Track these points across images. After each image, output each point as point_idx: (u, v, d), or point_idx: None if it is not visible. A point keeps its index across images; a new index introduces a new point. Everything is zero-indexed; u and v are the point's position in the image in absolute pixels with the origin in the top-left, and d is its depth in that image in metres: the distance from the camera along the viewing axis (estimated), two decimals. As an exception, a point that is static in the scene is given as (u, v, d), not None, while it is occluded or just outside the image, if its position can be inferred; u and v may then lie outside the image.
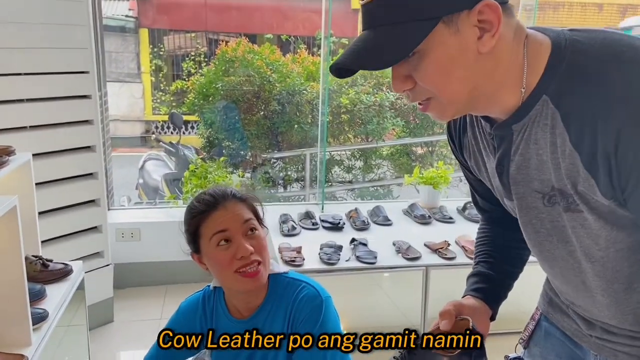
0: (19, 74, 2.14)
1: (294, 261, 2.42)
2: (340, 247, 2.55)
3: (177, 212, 3.19)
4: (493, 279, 1.03)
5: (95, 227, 2.54)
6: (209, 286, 1.26)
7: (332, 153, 4.69)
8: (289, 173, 4.61)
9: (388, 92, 4.42)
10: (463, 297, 1.02)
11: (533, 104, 0.75)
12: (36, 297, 1.65)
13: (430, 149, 4.95)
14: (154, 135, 4.57)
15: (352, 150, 4.74)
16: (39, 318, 1.56)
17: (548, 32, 0.76)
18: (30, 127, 2.20)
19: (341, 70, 0.76)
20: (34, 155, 1.85)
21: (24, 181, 1.81)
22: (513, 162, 0.81)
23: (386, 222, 2.97)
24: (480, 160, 0.92)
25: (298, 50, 7.26)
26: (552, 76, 0.73)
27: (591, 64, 0.70)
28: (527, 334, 1.09)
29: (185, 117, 5.54)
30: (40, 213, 2.02)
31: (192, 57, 8.77)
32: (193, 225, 1.14)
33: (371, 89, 4.43)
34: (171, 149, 4.38)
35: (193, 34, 9.21)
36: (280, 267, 1.21)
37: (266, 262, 1.13)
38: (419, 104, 0.79)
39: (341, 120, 4.43)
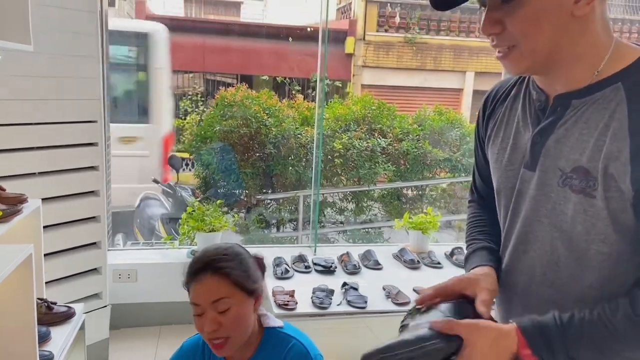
0: (31, 124, 2.26)
1: (287, 305, 2.50)
2: (332, 291, 2.64)
3: (173, 253, 3.28)
4: (498, 257, 1.04)
5: (95, 269, 2.61)
6: None
7: (325, 195, 4.82)
8: (283, 214, 4.72)
9: (379, 137, 4.60)
10: (483, 265, 1.01)
11: (603, 87, 0.83)
12: (42, 339, 1.72)
13: (419, 192, 5.10)
14: (152, 177, 4.68)
15: (345, 193, 4.88)
16: (45, 360, 1.64)
17: None
18: (39, 173, 2.31)
19: (442, 2, 0.86)
20: (42, 199, 1.95)
21: (33, 227, 1.91)
22: (554, 135, 0.88)
23: (377, 266, 3.07)
24: (505, 129, 0.98)
25: (293, 92, 7.50)
26: (635, 71, 0.82)
27: None
28: None
29: (182, 154, 5.70)
30: (45, 255, 2.11)
31: (190, 97, 9.00)
32: (186, 287, 1.23)
33: (363, 134, 4.61)
34: (169, 190, 4.49)
35: (191, 74, 9.47)
36: (276, 321, 1.28)
37: (238, 336, 1.19)
38: (498, 51, 0.87)
39: (334, 164, 4.59)
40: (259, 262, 1.32)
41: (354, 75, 9.70)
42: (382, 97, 5.57)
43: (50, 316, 1.88)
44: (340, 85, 9.14)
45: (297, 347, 1.22)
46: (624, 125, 0.79)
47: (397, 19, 9.61)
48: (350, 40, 9.73)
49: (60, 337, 1.82)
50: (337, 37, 9.53)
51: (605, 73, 0.84)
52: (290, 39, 9.40)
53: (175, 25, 9.69)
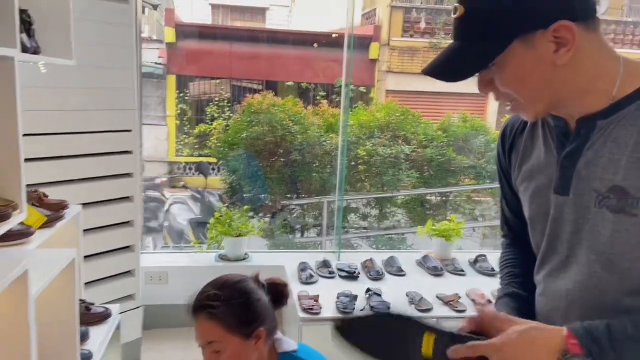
0: (71, 133, 2.38)
1: (311, 309, 2.57)
2: (355, 297, 2.69)
3: (201, 257, 3.38)
4: (525, 299, 1.02)
5: (129, 271, 2.73)
6: None
7: (349, 201, 4.88)
8: (307, 219, 4.80)
9: (403, 144, 4.64)
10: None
11: (626, 105, 0.83)
12: (81, 338, 1.82)
13: (443, 198, 5.11)
14: (182, 182, 4.81)
15: (368, 199, 4.92)
16: (85, 358, 1.73)
17: None
18: (78, 179, 2.43)
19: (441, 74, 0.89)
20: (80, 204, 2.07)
21: (74, 231, 2.02)
22: (583, 157, 0.87)
23: (400, 272, 3.11)
24: (529, 158, 0.98)
25: (318, 98, 7.57)
26: None
27: None
28: None
29: (209, 159, 5.86)
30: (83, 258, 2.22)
31: (216, 102, 9.17)
32: None
33: (387, 141, 4.65)
34: (197, 195, 4.62)
35: (218, 80, 9.65)
36: (290, 345, 1.30)
37: None
38: (506, 105, 0.90)
39: (358, 170, 4.64)
40: (277, 291, 1.31)
41: (378, 81, 9.72)
42: (406, 103, 5.60)
43: (89, 316, 1.99)
44: (365, 90, 9.19)
45: None
46: None
47: (422, 24, 9.60)
48: (374, 46, 9.76)
49: (98, 336, 1.92)
50: (362, 43, 9.57)
51: (623, 92, 0.84)
52: (315, 44, 9.49)
53: (203, 32, 9.91)
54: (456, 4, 0.86)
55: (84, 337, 1.86)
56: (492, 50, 0.83)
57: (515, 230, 1.14)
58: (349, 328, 0.92)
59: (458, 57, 0.86)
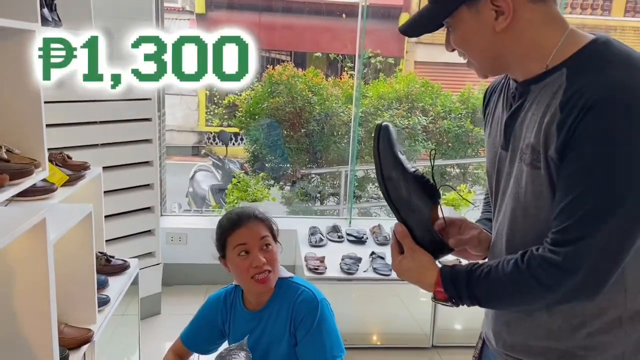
0: (94, 101, 2.57)
1: (317, 269, 2.73)
2: (360, 259, 2.83)
3: (220, 221, 3.57)
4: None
5: (149, 231, 2.94)
6: (232, 284, 1.58)
7: (368, 171, 4.97)
8: (326, 188, 4.93)
9: (420, 116, 4.68)
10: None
11: (552, 73, 0.93)
12: (101, 285, 2.03)
13: (461, 170, 5.15)
14: (204, 150, 5.02)
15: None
16: (103, 302, 1.94)
17: (599, 34, 0.95)
18: (101, 144, 2.62)
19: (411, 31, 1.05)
20: (103, 168, 2.26)
21: (95, 191, 2.21)
22: (519, 117, 0.99)
23: (406, 239, 3.22)
24: (493, 116, 1.10)
25: (346, 69, 7.60)
26: (577, 57, 0.92)
27: (604, 59, 0.90)
28: (477, 351, 1.23)
29: (234, 130, 6.05)
30: (105, 217, 2.43)
31: (244, 73, 9.30)
32: (222, 237, 1.45)
33: (405, 112, 4.70)
34: (218, 162, 4.81)
35: (246, 52, 9.75)
36: (287, 273, 1.50)
37: (275, 271, 1.43)
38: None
39: (376, 141, 4.72)
40: None
41: (407, 52, 9.62)
42: (434, 74, 5.59)
43: (109, 267, 2.19)
44: (393, 62, 9.13)
45: (306, 292, 1.44)
46: (558, 100, 0.90)
47: (454, -6, 9.38)
48: (404, 16, 9.62)
49: (117, 285, 2.13)
50: (391, 13, 9.46)
51: (556, 61, 0.94)
52: (343, 15, 9.44)
53: (232, 2, 9.99)
54: None
55: (103, 284, 2.07)
56: (442, 13, 0.98)
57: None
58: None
59: (419, 16, 1.01)
